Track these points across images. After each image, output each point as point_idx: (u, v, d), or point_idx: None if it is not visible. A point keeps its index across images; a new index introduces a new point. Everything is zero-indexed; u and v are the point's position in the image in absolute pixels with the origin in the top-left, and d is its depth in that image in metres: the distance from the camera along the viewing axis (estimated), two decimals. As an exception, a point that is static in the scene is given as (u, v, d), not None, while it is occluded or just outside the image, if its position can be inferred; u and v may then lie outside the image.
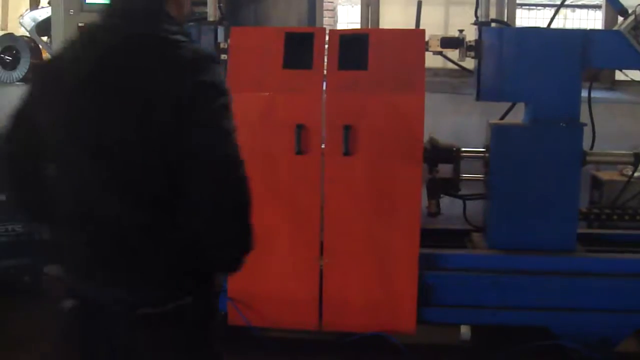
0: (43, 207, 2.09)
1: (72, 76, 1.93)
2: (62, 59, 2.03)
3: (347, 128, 3.97)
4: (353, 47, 4.08)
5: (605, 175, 5.31)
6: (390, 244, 4.13)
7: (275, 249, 4.08)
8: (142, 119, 1.83)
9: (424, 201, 4.39)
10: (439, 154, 4.47)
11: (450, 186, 4.50)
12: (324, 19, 6.53)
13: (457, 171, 4.47)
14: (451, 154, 4.46)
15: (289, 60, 4.12)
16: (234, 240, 1.88)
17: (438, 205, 4.50)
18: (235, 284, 4.20)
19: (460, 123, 5.53)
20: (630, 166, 4.68)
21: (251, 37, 4.29)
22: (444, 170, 4.56)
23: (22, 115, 2.08)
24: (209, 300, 2.01)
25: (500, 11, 4.66)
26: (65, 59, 2.01)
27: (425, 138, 4.36)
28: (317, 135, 4.04)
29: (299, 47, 4.13)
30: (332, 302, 4.19)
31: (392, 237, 4.13)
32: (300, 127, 3.98)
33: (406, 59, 4.08)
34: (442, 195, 4.50)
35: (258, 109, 4.06)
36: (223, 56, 4.34)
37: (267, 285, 4.19)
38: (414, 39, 4.14)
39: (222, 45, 4.37)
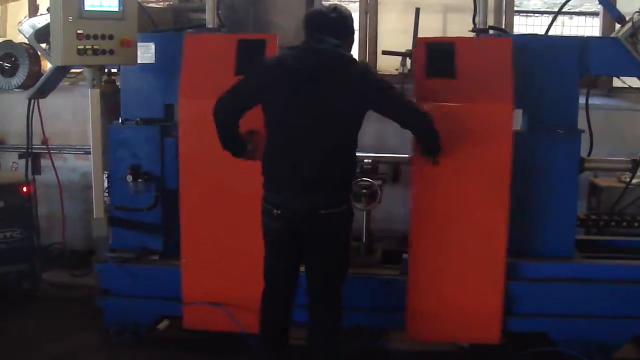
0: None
1: (300, 71, 3.51)
2: (286, 59, 3.57)
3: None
4: (440, 55, 4.07)
5: (603, 181, 5.33)
6: (477, 253, 4.10)
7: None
8: (349, 96, 3.50)
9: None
10: None
11: None
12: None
13: None
14: None
15: (241, 67, 4.15)
16: (430, 123, 3.67)
17: None
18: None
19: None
20: (628, 173, 4.69)
21: (205, 44, 4.31)
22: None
23: (247, 86, 3.67)
24: (351, 209, 3.70)
25: (498, 18, 4.68)
26: (289, 60, 3.55)
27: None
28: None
29: (251, 54, 4.16)
30: (419, 311, 4.18)
31: (479, 246, 4.09)
32: (252, 133, 3.93)
33: (493, 67, 4.05)
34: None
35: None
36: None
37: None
38: (499, 47, 4.12)
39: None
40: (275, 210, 3.59)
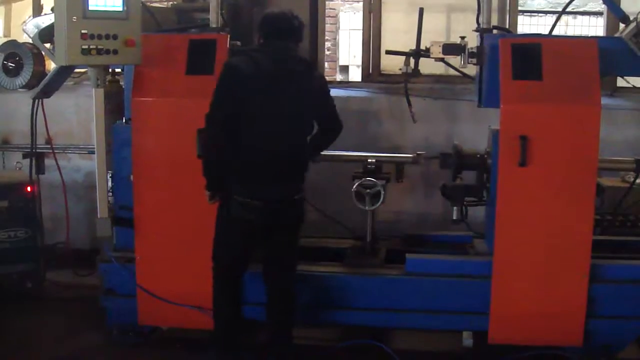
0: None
1: (268, 73, 3.84)
2: (252, 61, 3.85)
3: (524, 139, 3.95)
4: (526, 56, 4.03)
5: (607, 181, 5.31)
6: (562, 256, 4.08)
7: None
8: (310, 95, 4.00)
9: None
10: (464, 161, 4.48)
11: (473, 193, 4.49)
12: (326, 25, 6.55)
13: (480, 178, 4.46)
14: (476, 161, 4.46)
15: (192, 67, 4.23)
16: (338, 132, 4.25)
17: (462, 212, 4.49)
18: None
19: (461, 129, 5.54)
20: (631, 173, 4.69)
21: (159, 44, 4.35)
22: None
23: (227, 95, 3.85)
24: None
25: (501, 18, 4.67)
26: (255, 62, 3.85)
27: (449, 145, 4.45)
28: None
29: (202, 53, 4.24)
30: (501, 314, 4.16)
31: (564, 248, 4.07)
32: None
33: (579, 68, 4.02)
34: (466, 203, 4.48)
35: (165, 114, 4.29)
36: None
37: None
38: (586, 48, 4.07)
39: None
40: (255, 202, 3.88)
